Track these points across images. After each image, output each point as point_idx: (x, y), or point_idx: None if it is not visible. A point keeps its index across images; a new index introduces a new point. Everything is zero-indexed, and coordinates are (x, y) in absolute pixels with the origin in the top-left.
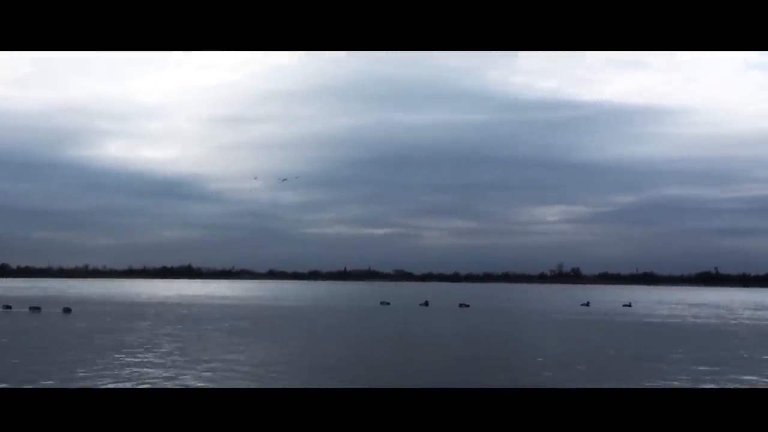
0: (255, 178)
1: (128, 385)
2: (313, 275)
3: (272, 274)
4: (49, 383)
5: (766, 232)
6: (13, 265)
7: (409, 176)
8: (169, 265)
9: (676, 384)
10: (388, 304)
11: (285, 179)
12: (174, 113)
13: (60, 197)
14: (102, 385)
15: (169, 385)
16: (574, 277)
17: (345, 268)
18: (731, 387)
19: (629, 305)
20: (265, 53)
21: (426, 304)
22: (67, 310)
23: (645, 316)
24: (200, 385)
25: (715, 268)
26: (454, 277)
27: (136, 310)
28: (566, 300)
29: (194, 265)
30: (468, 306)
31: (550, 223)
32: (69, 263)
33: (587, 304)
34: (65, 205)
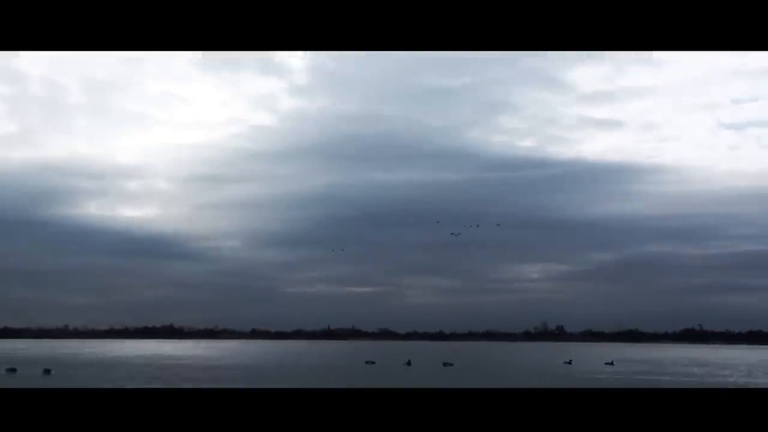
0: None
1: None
2: (297, 334)
3: (255, 333)
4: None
5: (747, 289)
6: None
7: (390, 235)
8: (150, 325)
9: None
10: (374, 363)
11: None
12: (153, 172)
13: (39, 256)
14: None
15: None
16: (558, 335)
17: (329, 327)
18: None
19: (611, 363)
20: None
21: (408, 363)
22: (46, 371)
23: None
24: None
25: (700, 325)
26: (439, 336)
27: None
28: (549, 358)
29: (176, 324)
30: (452, 365)
31: (532, 280)
32: (49, 323)
33: (570, 363)
34: (45, 265)
